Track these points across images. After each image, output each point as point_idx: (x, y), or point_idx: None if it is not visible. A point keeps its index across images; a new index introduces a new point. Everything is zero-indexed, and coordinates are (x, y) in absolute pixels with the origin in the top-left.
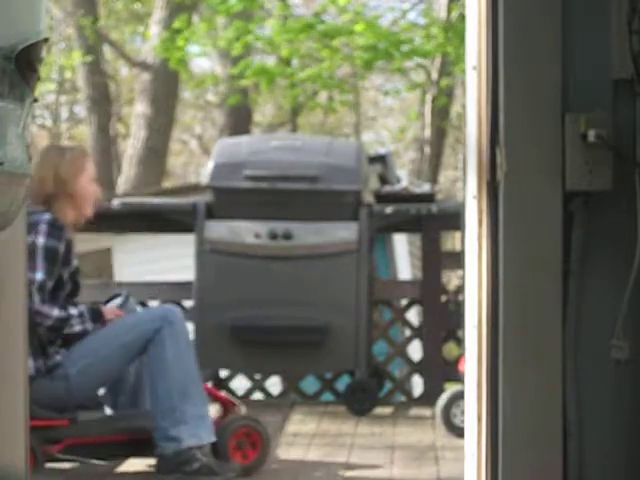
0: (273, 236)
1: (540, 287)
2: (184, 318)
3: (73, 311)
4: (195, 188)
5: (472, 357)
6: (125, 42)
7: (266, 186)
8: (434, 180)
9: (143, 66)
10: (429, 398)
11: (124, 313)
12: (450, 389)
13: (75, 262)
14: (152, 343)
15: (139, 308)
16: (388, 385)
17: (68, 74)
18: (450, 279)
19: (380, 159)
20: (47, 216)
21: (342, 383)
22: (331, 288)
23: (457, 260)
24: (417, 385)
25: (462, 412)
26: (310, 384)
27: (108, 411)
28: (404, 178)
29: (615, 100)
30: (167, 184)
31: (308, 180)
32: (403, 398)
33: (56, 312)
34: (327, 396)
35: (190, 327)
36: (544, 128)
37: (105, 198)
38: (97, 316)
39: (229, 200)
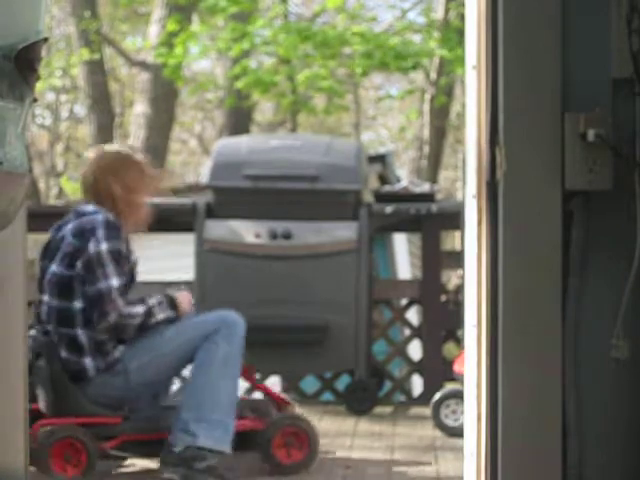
0: (273, 236)
1: (540, 286)
2: (243, 325)
3: (152, 301)
4: (195, 188)
5: (472, 357)
6: (125, 42)
7: (266, 186)
8: (434, 180)
9: (143, 66)
10: (429, 398)
11: (191, 298)
12: (443, 389)
13: (133, 257)
14: (206, 341)
15: None
16: (388, 385)
17: (73, 72)
18: (450, 279)
19: (380, 159)
20: (101, 217)
21: (342, 383)
22: (331, 288)
23: (457, 260)
24: (417, 385)
25: (452, 412)
26: (310, 384)
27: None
28: (404, 178)
29: (615, 100)
30: (167, 184)
31: (308, 180)
32: (403, 398)
33: (140, 309)
34: (327, 396)
35: None
36: (544, 128)
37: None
38: (173, 303)
39: (229, 200)
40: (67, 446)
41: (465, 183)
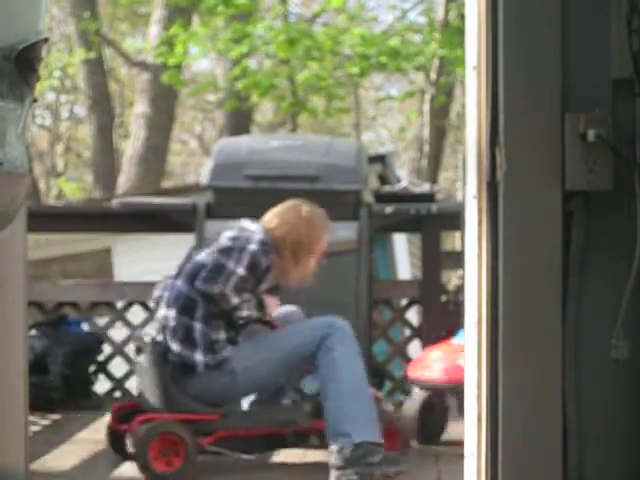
0: None
1: (540, 287)
2: (350, 328)
3: (246, 296)
4: (195, 188)
5: (472, 357)
6: (125, 42)
7: (266, 186)
8: (434, 180)
9: (143, 66)
10: None
11: (278, 303)
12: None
13: (264, 287)
14: (321, 350)
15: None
16: (388, 385)
17: (71, 70)
18: (450, 279)
19: (380, 159)
20: (260, 235)
21: None
22: (331, 288)
23: (457, 260)
24: None
25: None
26: (310, 384)
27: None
28: (404, 178)
29: (615, 100)
30: (167, 184)
31: (308, 180)
32: (403, 397)
33: (236, 300)
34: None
35: None
36: (544, 128)
37: (105, 198)
38: (261, 306)
39: (229, 200)
40: (167, 442)
41: (465, 183)
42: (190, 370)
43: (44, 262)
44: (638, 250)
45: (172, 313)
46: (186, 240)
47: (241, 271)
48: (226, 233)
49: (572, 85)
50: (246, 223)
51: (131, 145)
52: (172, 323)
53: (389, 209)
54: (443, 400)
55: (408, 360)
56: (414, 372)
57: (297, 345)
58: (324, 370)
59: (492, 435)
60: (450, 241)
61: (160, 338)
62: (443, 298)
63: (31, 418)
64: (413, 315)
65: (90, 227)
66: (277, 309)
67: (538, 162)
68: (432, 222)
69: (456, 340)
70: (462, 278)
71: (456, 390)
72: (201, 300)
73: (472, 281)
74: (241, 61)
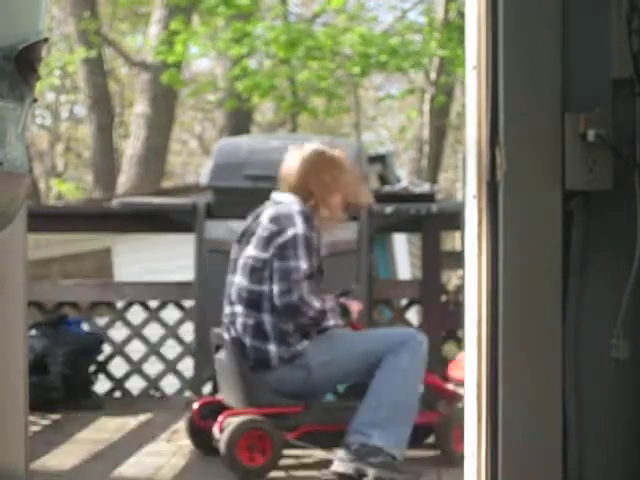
0: None
1: (540, 287)
2: (427, 344)
3: (328, 305)
4: (195, 188)
5: (472, 357)
6: (125, 41)
7: (266, 186)
8: (434, 180)
9: (143, 66)
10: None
11: (361, 307)
12: None
13: (323, 250)
14: (391, 353)
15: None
16: None
17: (71, 68)
18: (450, 279)
19: (380, 159)
20: (297, 207)
21: None
22: (331, 288)
23: (457, 260)
24: None
25: None
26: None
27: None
28: (404, 178)
29: (615, 100)
30: (167, 184)
31: None
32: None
33: (318, 304)
34: (327, 396)
35: (190, 327)
36: (544, 128)
37: (105, 198)
38: (346, 312)
39: (229, 200)
40: (254, 437)
41: (465, 183)
42: (266, 363)
43: (44, 262)
44: (638, 250)
45: (239, 309)
46: (186, 240)
47: (304, 265)
48: (264, 214)
49: (572, 85)
50: (277, 195)
51: (131, 145)
52: (241, 319)
53: (389, 209)
54: None
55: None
56: (457, 372)
57: (373, 348)
58: (383, 369)
59: (492, 435)
60: (450, 241)
61: (235, 334)
62: (443, 298)
63: (31, 418)
64: (413, 315)
65: (90, 227)
66: (359, 311)
67: (538, 162)
68: (432, 222)
69: None
70: (462, 278)
71: None
72: (285, 314)
73: (472, 281)
74: (241, 61)
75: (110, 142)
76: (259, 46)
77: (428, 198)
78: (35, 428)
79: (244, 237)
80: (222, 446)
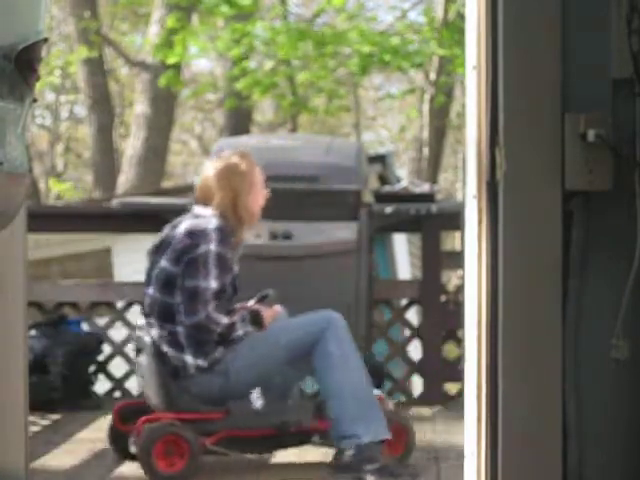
0: (273, 236)
1: (540, 287)
2: (345, 322)
3: (237, 317)
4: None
5: (472, 357)
6: (124, 40)
7: (266, 186)
8: (434, 180)
9: (143, 66)
10: (429, 398)
11: (280, 310)
12: None
13: (236, 268)
14: (317, 346)
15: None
16: (388, 385)
17: (71, 68)
18: (450, 279)
19: (380, 159)
20: (216, 221)
21: None
22: (331, 288)
23: (457, 260)
24: (417, 385)
25: None
26: (310, 384)
27: (258, 404)
28: (404, 178)
29: (615, 100)
30: (167, 184)
31: (308, 180)
32: (403, 398)
33: (225, 320)
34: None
35: None
36: (544, 128)
37: (105, 198)
38: (257, 319)
39: None
40: (170, 442)
41: (465, 183)
42: (184, 372)
43: (44, 262)
44: (638, 250)
45: (153, 320)
46: None
47: (214, 285)
48: (181, 225)
49: (572, 85)
50: (198, 208)
51: (131, 145)
52: (156, 330)
53: (389, 209)
54: None
55: (408, 360)
56: None
57: (291, 341)
58: (323, 372)
59: (492, 435)
60: (450, 241)
61: (153, 341)
62: (443, 298)
63: (31, 418)
64: (413, 315)
65: (90, 227)
66: (274, 315)
67: (538, 162)
68: (432, 222)
69: None
70: (462, 278)
71: None
72: (193, 330)
73: (472, 281)
74: (240, 62)
75: (110, 142)
76: (258, 46)
77: (428, 198)
78: (35, 428)
79: (159, 248)
80: (138, 451)
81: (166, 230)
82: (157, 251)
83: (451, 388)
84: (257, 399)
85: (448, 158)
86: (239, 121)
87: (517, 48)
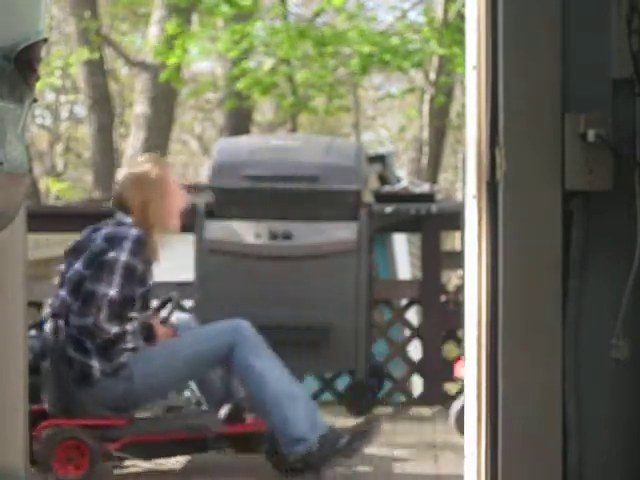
0: (273, 236)
1: (540, 287)
2: (250, 325)
3: (129, 327)
4: (195, 188)
5: (472, 357)
6: (125, 43)
7: (266, 186)
8: (434, 180)
9: (142, 66)
10: (429, 398)
11: (173, 332)
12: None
13: (150, 282)
14: (235, 361)
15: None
16: (388, 385)
17: (72, 69)
18: (450, 279)
19: (380, 159)
20: (135, 231)
21: (342, 383)
22: (331, 288)
23: (457, 260)
24: (417, 385)
25: None
26: (310, 384)
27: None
28: (404, 178)
29: (615, 100)
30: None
31: (308, 180)
32: (403, 398)
33: (114, 329)
34: (327, 396)
35: None
36: (544, 128)
37: (105, 198)
38: (149, 334)
39: (229, 200)
40: (71, 447)
41: (465, 183)
42: (89, 377)
43: (44, 262)
44: (638, 250)
45: (61, 323)
46: (186, 240)
47: (113, 293)
48: (102, 230)
49: (572, 85)
50: (120, 215)
51: (131, 145)
52: (63, 333)
53: (389, 209)
54: None
55: (408, 360)
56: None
57: (200, 351)
58: (252, 387)
59: (492, 435)
60: (450, 241)
61: (59, 345)
62: (443, 298)
63: None
64: (413, 315)
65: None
66: (169, 336)
67: (538, 162)
68: (432, 222)
69: None
70: (462, 278)
71: None
72: (84, 335)
73: (472, 281)
74: (240, 62)
75: (110, 142)
76: (258, 46)
77: (428, 198)
78: None
79: (76, 250)
80: (37, 456)
81: (85, 233)
82: (73, 253)
83: (451, 388)
84: (162, 405)
85: (448, 158)
86: (239, 121)
87: (517, 48)
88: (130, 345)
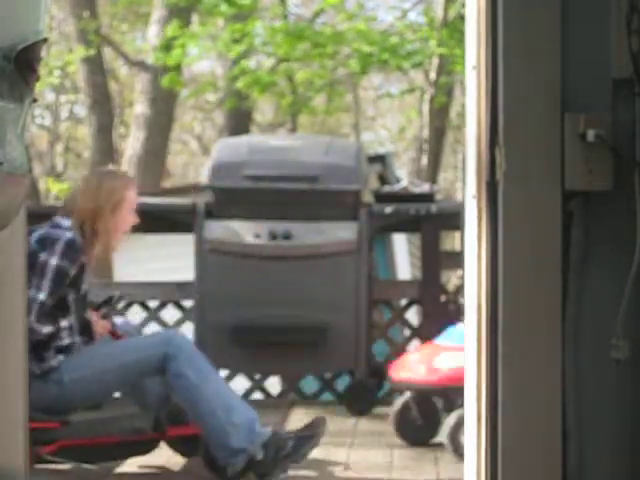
0: (273, 236)
1: (540, 287)
2: (185, 336)
3: (63, 323)
4: (195, 188)
5: (472, 357)
6: (125, 42)
7: (266, 186)
8: (433, 180)
9: (142, 66)
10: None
11: (112, 329)
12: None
13: (85, 287)
14: (171, 374)
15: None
16: (388, 385)
17: (71, 68)
18: (450, 279)
19: (380, 159)
20: (69, 234)
21: (342, 383)
22: (331, 288)
23: (457, 260)
24: None
25: None
26: (310, 384)
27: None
28: (404, 178)
29: (615, 100)
30: (167, 184)
31: (308, 180)
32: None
33: (46, 329)
34: (326, 396)
35: (190, 327)
36: (543, 128)
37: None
38: (86, 329)
39: (229, 200)
40: None
41: (465, 183)
42: None
43: None
44: (638, 250)
45: None
46: (186, 240)
47: (42, 297)
48: (35, 232)
49: (572, 85)
50: (57, 218)
51: (131, 145)
52: None
53: (389, 209)
54: (430, 402)
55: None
56: (395, 374)
57: (132, 361)
58: (184, 397)
59: (492, 435)
60: (450, 241)
61: None
62: (443, 298)
63: None
64: (413, 315)
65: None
66: (106, 330)
67: (538, 162)
68: (432, 222)
69: (439, 340)
70: (462, 278)
71: (436, 392)
72: None
73: (472, 281)
74: (240, 61)
75: (110, 142)
76: (258, 46)
77: (428, 198)
78: None
79: None
80: None
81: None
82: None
83: None
84: (95, 408)
85: (448, 158)
86: (239, 121)
87: (517, 48)
88: (66, 341)
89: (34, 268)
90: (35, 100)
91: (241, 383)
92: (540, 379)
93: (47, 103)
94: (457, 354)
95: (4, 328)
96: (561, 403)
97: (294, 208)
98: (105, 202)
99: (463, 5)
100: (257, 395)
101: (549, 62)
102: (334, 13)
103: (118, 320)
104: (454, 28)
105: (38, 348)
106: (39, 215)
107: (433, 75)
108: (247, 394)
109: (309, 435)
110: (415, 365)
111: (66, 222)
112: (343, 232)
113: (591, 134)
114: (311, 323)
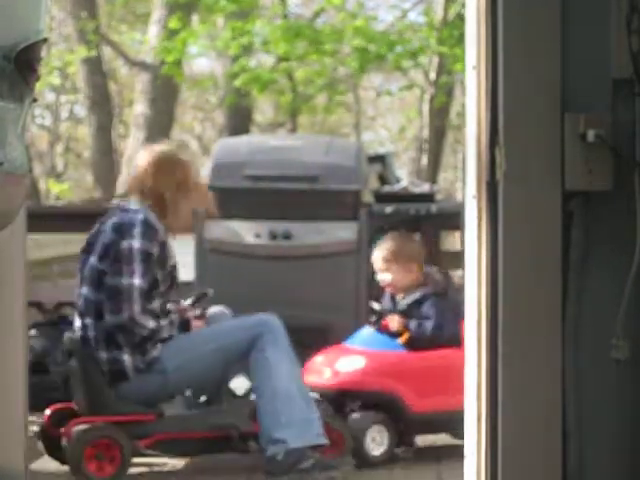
0: (273, 236)
1: (540, 287)
2: (282, 325)
3: (164, 322)
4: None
5: (472, 357)
6: (124, 42)
7: (266, 186)
8: (433, 180)
9: (142, 66)
10: None
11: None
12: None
13: (172, 261)
14: (254, 350)
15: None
16: None
17: (71, 69)
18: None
19: (380, 159)
20: (141, 215)
21: None
22: (331, 288)
23: (457, 260)
24: None
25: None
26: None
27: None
28: (404, 178)
29: (615, 100)
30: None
31: (308, 180)
32: None
33: (151, 324)
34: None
35: None
36: (543, 128)
37: (105, 198)
38: (185, 328)
39: (229, 200)
40: (101, 445)
41: (465, 183)
42: (121, 374)
43: (44, 262)
44: (638, 250)
45: (89, 321)
46: (186, 240)
47: (138, 282)
48: (109, 221)
49: (572, 85)
50: (124, 204)
51: (130, 145)
52: (92, 332)
53: (389, 209)
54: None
55: None
56: (306, 376)
57: (229, 343)
58: (256, 371)
59: (492, 435)
60: (450, 241)
61: (88, 346)
62: None
63: (31, 418)
64: None
65: (90, 227)
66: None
67: (538, 162)
68: (432, 222)
69: (347, 343)
70: (462, 278)
71: (336, 396)
72: (118, 332)
73: (472, 281)
74: (239, 59)
75: (110, 142)
76: (258, 45)
77: (428, 198)
78: (35, 428)
79: (90, 246)
80: (68, 455)
81: (95, 228)
82: (87, 249)
83: None
84: (192, 401)
85: (448, 158)
86: (239, 121)
87: (517, 48)
88: (166, 334)
89: (119, 257)
90: (35, 100)
91: (241, 383)
92: (540, 379)
93: (47, 103)
94: (357, 358)
95: (4, 328)
96: (561, 403)
97: (294, 208)
98: (177, 179)
99: (463, 5)
100: None
101: (549, 62)
102: (334, 13)
103: (214, 309)
104: (454, 28)
105: (141, 342)
106: (39, 215)
107: (433, 75)
108: (247, 394)
109: (331, 466)
110: (320, 367)
111: (133, 205)
112: (343, 232)
113: (591, 134)
114: (311, 323)
